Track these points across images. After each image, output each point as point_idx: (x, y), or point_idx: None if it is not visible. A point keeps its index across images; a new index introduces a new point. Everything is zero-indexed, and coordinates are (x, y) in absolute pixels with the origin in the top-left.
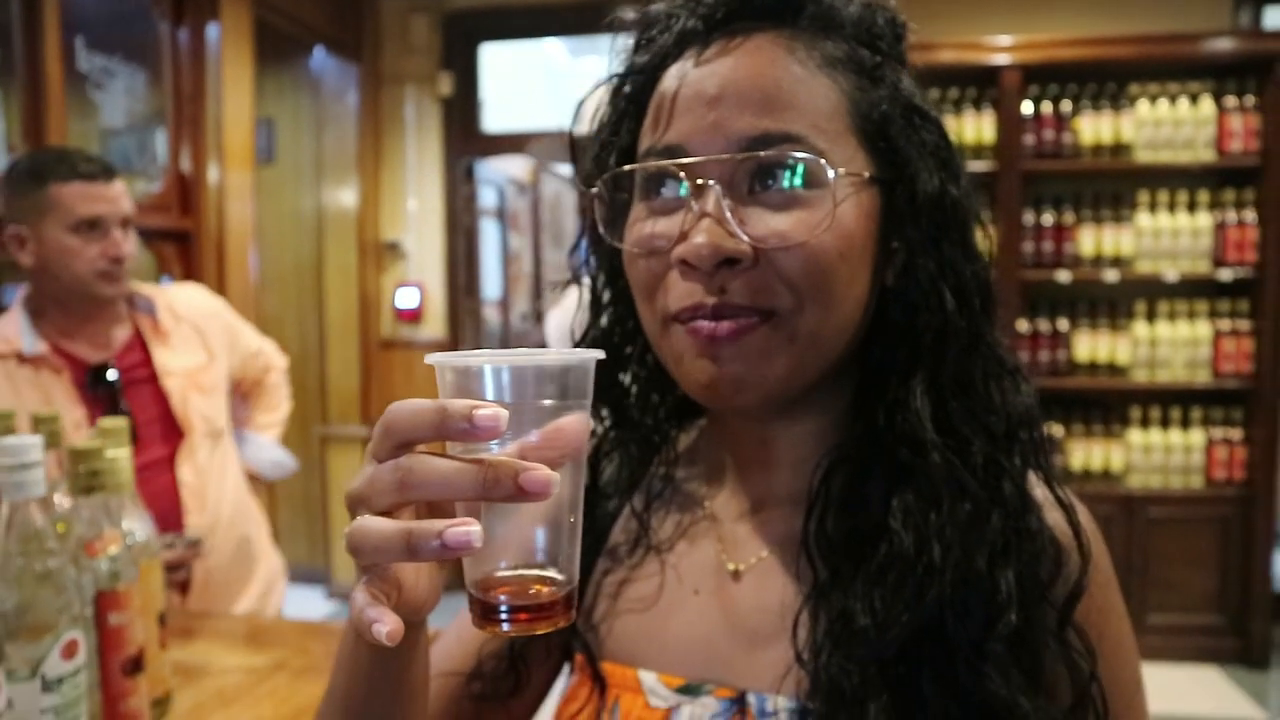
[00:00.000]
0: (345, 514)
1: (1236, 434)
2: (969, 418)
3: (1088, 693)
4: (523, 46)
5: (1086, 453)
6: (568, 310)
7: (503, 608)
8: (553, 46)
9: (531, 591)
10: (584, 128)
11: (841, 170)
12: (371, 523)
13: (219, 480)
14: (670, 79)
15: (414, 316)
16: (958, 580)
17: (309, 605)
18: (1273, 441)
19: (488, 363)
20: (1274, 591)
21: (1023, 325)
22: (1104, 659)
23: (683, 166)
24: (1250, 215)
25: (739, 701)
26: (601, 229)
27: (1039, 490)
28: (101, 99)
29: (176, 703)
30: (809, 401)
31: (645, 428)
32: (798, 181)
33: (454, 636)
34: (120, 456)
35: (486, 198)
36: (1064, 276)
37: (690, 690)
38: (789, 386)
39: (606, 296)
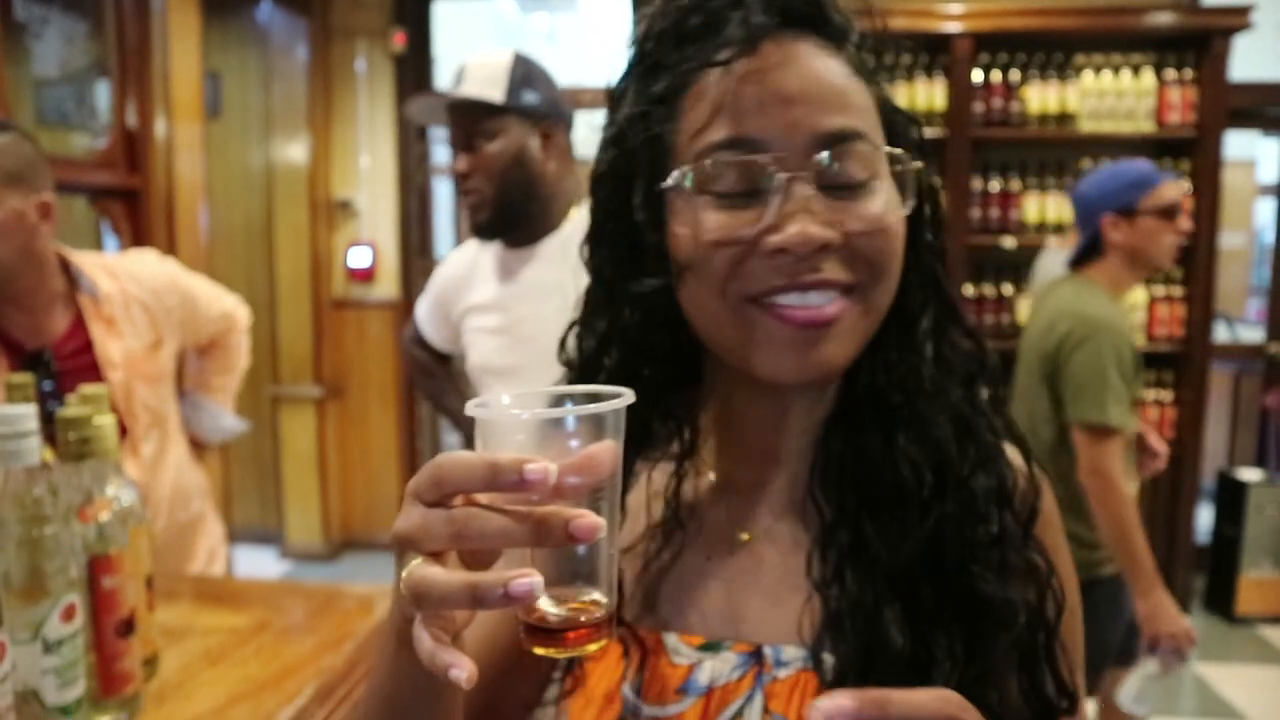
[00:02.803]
0: (297, 474)
1: (1167, 395)
2: (944, 367)
3: (1048, 586)
4: (474, 3)
5: None
6: (452, 262)
7: (554, 630)
8: (504, 3)
9: (580, 613)
10: (471, 90)
11: (907, 162)
12: (435, 574)
13: (161, 470)
14: (732, 78)
15: (366, 276)
16: (953, 496)
17: (262, 566)
18: (1200, 402)
19: (531, 414)
20: (1195, 544)
21: (970, 290)
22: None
23: (775, 159)
24: (1186, 186)
25: (756, 654)
26: (650, 231)
27: (999, 425)
28: (35, 49)
29: (164, 663)
30: None
31: (650, 402)
32: (866, 174)
33: (478, 627)
34: (106, 424)
35: (440, 156)
36: (1009, 242)
37: (710, 647)
38: (854, 360)
39: (638, 286)
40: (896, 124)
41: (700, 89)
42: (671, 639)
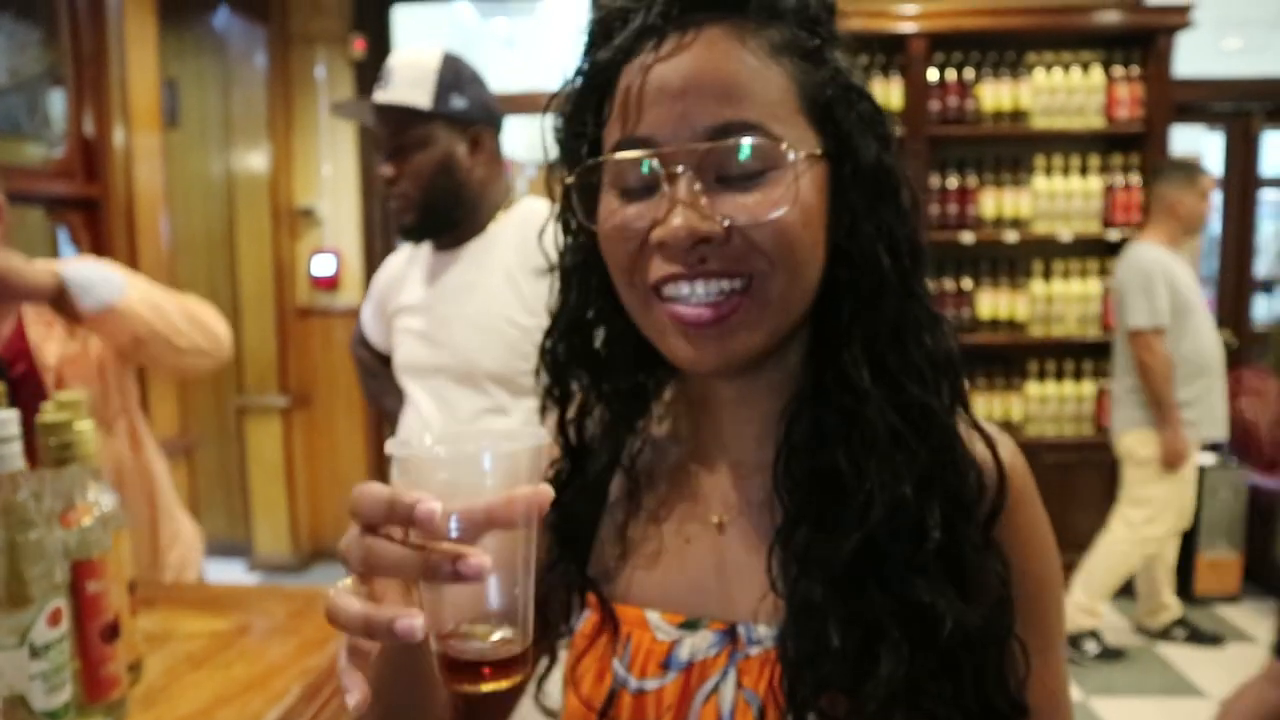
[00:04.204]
0: (265, 485)
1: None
2: (903, 364)
3: (1006, 594)
4: (433, 8)
5: (988, 405)
6: (390, 264)
7: (465, 666)
8: (462, 8)
9: (490, 650)
10: (397, 95)
11: (800, 152)
12: (341, 601)
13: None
14: (633, 73)
15: (330, 284)
16: (890, 507)
17: (231, 579)
18: None
19: (433, 456)
20: None
21: (930, 285)
22: (1028, 561)
23: (657, 155)
24: (1135, 179)
25: (730, 632)
26: (580, 214)
27: (963, 424)
28: None
29: (147, 668)
30: (772, 357)
31: (620, 385)
32: (759, 164)
33: None
34: (86, 429)
35: None
36: (968, 237)
37: (690, 625)
38: (763, 351)
39: (577, 274)
40: (837, 102)
41: (618, 85)
42: (654, 616)
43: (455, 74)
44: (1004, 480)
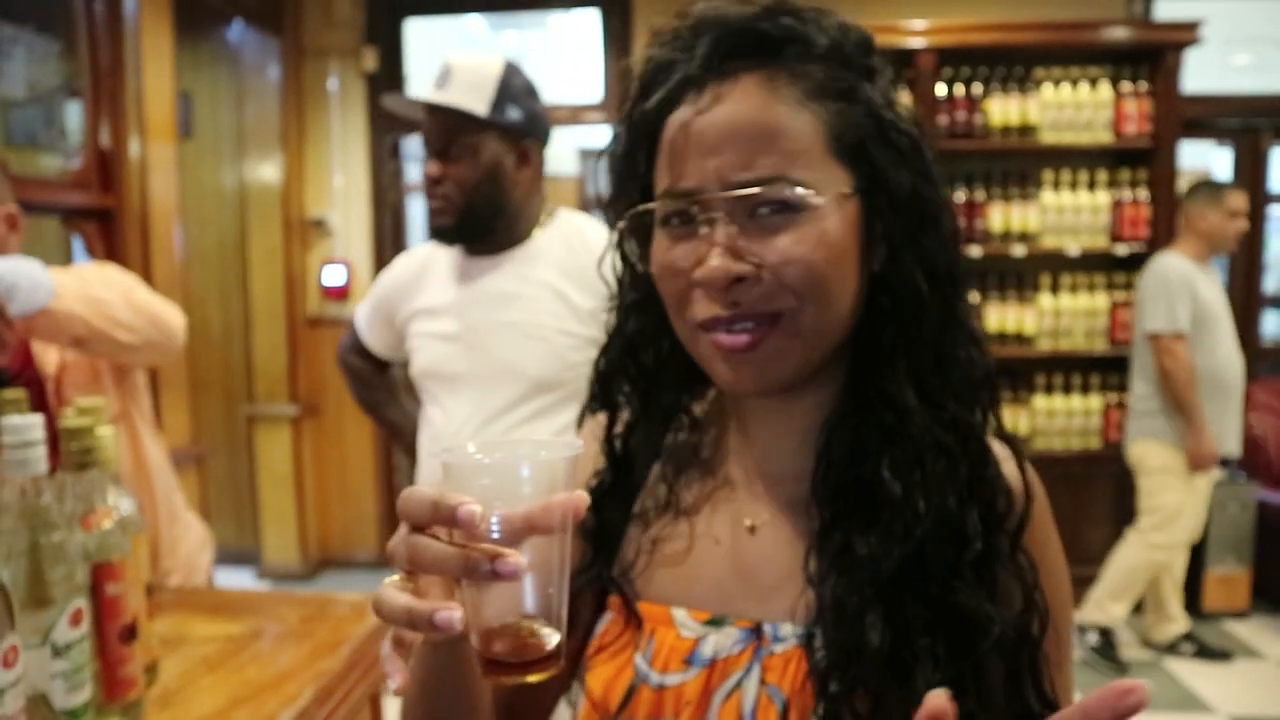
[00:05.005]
0: (274, 493)
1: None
2: (943, 384)
3: (1033, 598)
4: (446, 21)
5: None
6: (400, 265)
7: (501, 660)
8: (474, 21)
9: (525, 644)
10: (455, 97)
11: (823, 195)
12: (387, 595)
13: None
14: (675, 126)
15: (341, 294)
16: (937, 520)
17: (239, 586)
18: None
19: (476, 463)
20: None
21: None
22: (1044, 577)
23: (696, 203)
24: (1143, 194)
25: (756, 630)
26: (635, 254)
27: (994, 441)
28: (4, 68)
29: (163, 670)
30: (812, 378)
31: (664, 401)
32: (785, 210)
33: None
34: (107, 434)
35: (413, 174)
36: (976, 251)
37: (715, 622)
38: (803, 374)
39: (630, 298)
40: (870, 139)
41: (664, 134)
42: (680, 613)
43: (514, 85)
44: (1030, 497)
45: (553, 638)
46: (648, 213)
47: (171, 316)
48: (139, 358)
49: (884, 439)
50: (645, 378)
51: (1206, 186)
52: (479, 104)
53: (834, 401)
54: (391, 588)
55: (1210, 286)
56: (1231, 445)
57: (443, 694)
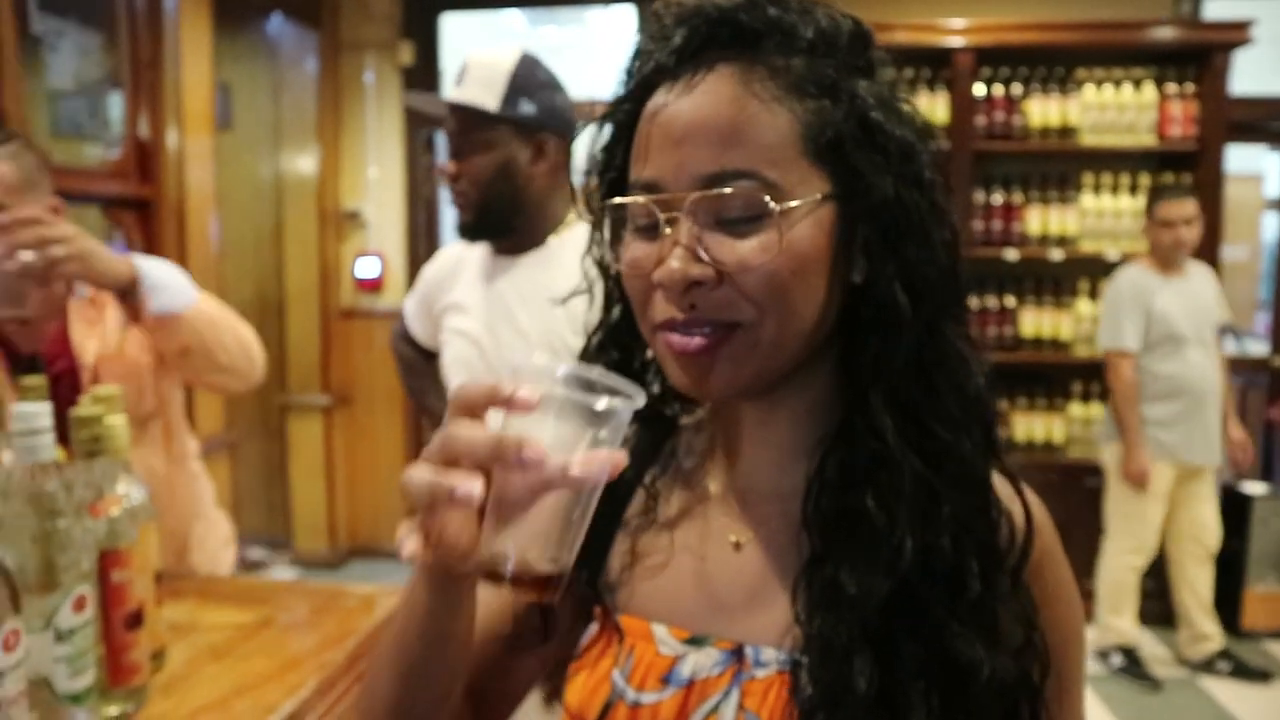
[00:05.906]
0: (305, 482)
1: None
2: (931, 406)
3: (1031, 638)
4: (483, 16)
5: (1029, 425)
6: (441, 258)
7: (506, 573)
8: (512, 16)
9: (528, 566)
10: (467, 94)
11: (789, 203)
12: (415, 472)
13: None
14: (647, 116)
15: (374, 286)
16: (923, 557)
17: (269, 574)
18: None
19: (565, 371)
20: None
21: (972, 302)
22: (1057, 615)
23: (657, 201)
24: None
25: (737, 653)
26: (607, 247)
27: (991, 468)
28: (51, 61)
29: (170, 657)
30: (789, 386)
31: (651, 409)
32: (751, 211)
33: (489, 597)
34: (118, 423)
35: None
36: (1012, 255)
37: (695, 641)
38: (760, 383)
39: (617, 293)
40: (849, 140)
41: (639, 124)
42: (660, 629)
43: (528, 78)
44: (1031, 527)
45: (556, 569)
46: (620, 207)
47: (258, 349)
48: (222, 379)
49: (870, 466)
50: (632, 377)
51: (1156, 193)
52: (490, 99)
53: (822, 416)
54: (418, 466)
55: (1174, 297)
56: (1202, 454)
57: (424, 641)
